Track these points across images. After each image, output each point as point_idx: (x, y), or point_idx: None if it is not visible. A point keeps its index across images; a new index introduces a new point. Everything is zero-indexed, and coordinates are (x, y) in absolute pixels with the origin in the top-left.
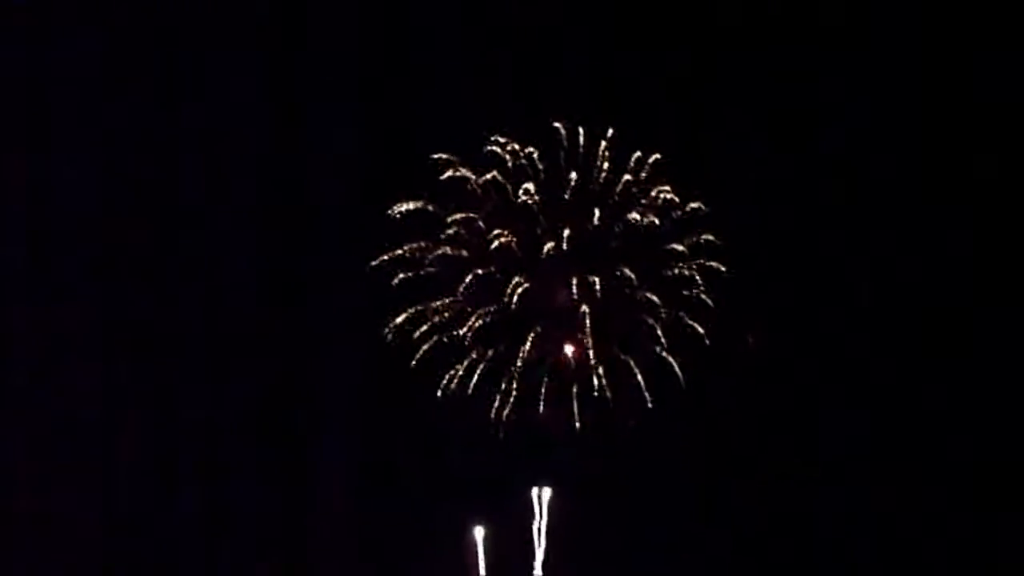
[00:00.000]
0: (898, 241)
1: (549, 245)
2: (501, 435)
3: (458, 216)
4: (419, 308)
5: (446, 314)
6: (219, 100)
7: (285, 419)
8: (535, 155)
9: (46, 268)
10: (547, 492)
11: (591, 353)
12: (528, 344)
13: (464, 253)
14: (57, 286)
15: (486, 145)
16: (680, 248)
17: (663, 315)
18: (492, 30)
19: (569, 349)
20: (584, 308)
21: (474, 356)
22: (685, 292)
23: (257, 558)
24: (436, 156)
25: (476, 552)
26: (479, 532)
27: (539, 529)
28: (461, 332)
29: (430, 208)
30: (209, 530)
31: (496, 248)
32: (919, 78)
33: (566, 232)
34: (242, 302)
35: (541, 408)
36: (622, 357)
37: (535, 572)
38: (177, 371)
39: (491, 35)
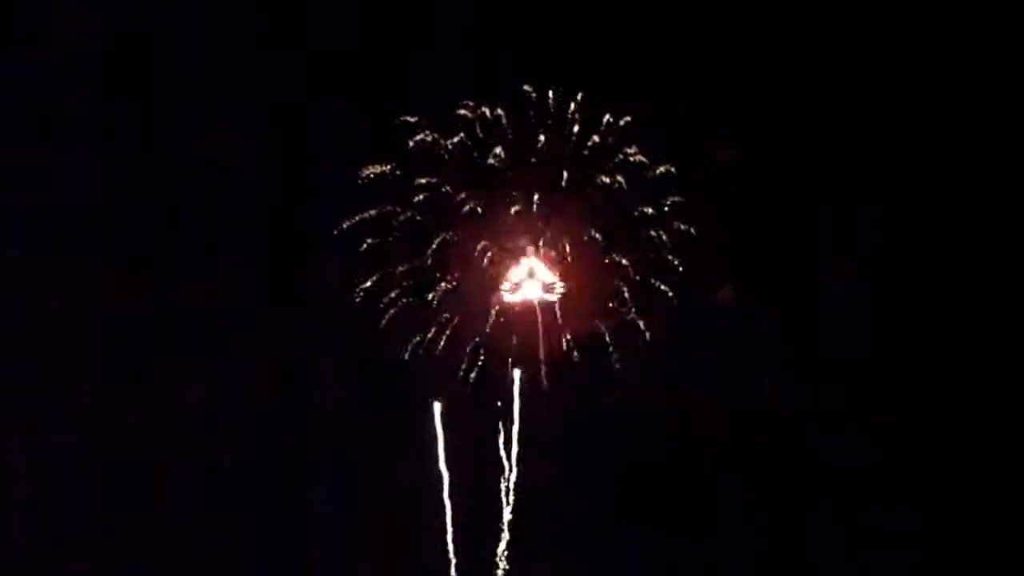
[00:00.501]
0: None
1: (515, 208)
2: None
3: (424, 180)
4: (388, 271)
5: (410, 280)
6: (219, 100)
7: (285, 418)
8: (503, 118)
9: (46, 268)
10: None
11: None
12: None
13: (432, 217)
14: (57, 286)
15: (455, 108)
16: (649, 211)
17: (633, 277)
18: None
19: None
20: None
21: (444, 319)
22: (652, 255)
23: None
24: (403, 119)
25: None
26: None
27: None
28: (429, 296)
29: (398, 172)
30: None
31: (464, 212)
32: (919, 77)
33: (535, 195)
34: (242, 300)
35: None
36: (592, 319)
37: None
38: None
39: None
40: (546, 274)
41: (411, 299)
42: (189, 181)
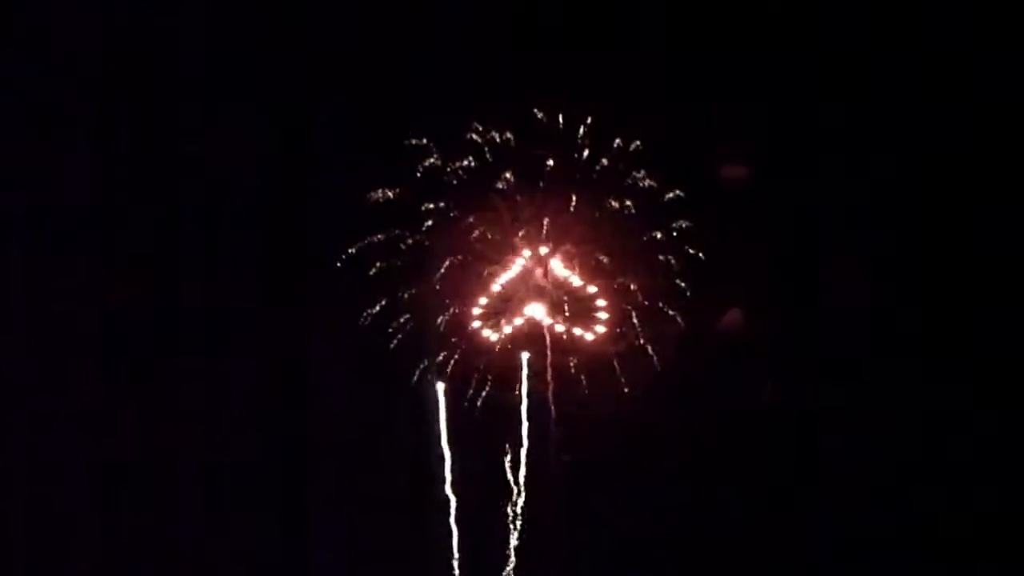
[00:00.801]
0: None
1: (522, 233)
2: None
3: (431, 205)
4: (400, 295)
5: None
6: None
7: (285, 419)
8: (512, 142)
9: (46, 268)
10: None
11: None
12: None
13: (439, 241)
14: (57, 286)
15: (463, 132)
16: (659, 235)
17: (641, 301)
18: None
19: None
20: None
21: (452, 341)
22: (661, 279)
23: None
24: (412, 142)
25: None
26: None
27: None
28: (438, 320)
29: (405, 196)
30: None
31: (472, 236)
32: (919, 76)
33: (545, 220)
34: (242, 300)
35: (518, 390)
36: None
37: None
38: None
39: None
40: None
41: None
42: (189, 180)
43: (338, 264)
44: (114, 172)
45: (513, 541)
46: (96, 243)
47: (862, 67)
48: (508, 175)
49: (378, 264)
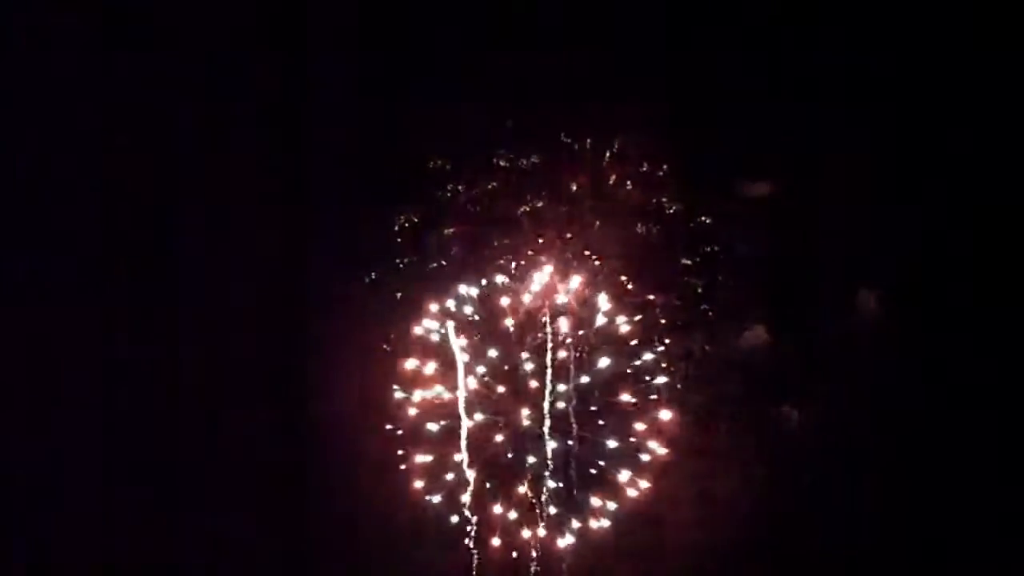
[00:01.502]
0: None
1: (544, 257)
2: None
3: (453, 229)
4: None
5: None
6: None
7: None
8: (538, 166)
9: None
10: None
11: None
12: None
13: (464, 265)
14: (55, 287)
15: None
16: (687, 262)
17: (666, 323)
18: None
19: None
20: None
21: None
22: (685, 301)
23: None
24: (434, 164)
25: None
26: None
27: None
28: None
29: (426, 219)
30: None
31: (495, 260)
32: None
33: (569, 239)
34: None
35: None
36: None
37: None
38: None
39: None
40: None
41: None
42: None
43: (367, 280)
44: (113, 182)
45: (534, 567)
46: (97, 243)
47: (889, 79)
48: (531, 198)
49: (402, 288)
